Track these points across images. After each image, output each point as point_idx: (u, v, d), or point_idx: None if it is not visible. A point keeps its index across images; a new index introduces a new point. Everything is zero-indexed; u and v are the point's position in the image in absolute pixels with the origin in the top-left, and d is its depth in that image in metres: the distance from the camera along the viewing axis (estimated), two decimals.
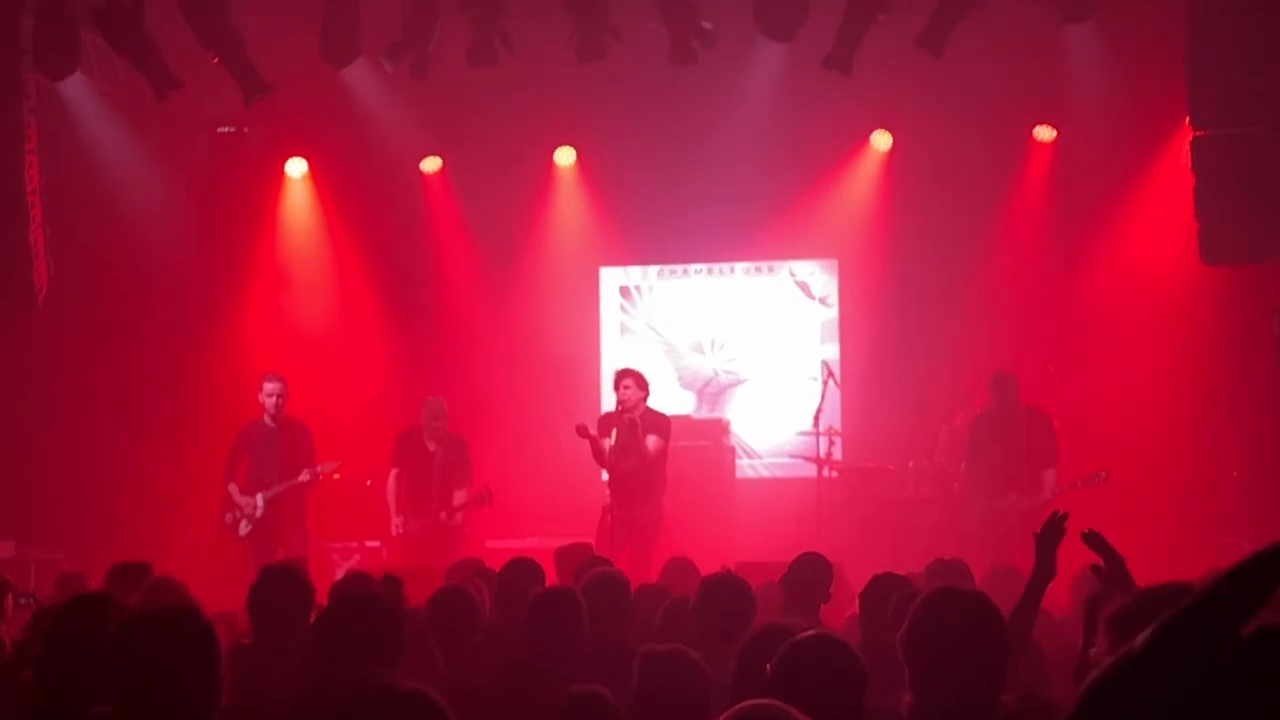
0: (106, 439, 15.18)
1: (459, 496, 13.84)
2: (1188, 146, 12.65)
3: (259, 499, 13.57)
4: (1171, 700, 1.09)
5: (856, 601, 7.12)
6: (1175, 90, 12.69)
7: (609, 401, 13.78)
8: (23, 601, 8.22)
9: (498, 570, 8.56)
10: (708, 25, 13.35)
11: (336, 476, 14.18)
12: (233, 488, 13.68)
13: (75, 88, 14.59)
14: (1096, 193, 15.00)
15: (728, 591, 6.54)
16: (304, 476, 13.56)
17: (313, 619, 6.53)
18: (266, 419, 13.76)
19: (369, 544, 14.42)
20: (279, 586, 6.71)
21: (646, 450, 13.02)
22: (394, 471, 14.07)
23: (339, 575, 11.33)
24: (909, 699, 4.66)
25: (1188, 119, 12.57)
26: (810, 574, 7.69)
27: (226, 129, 15.83)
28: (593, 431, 13.06)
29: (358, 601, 5.60)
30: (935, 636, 4.56)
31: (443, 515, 13.76)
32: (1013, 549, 11.84)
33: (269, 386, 13.76)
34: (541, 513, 14.88)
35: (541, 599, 6.49)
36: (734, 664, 5.07)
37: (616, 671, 5.32)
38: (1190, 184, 12.57)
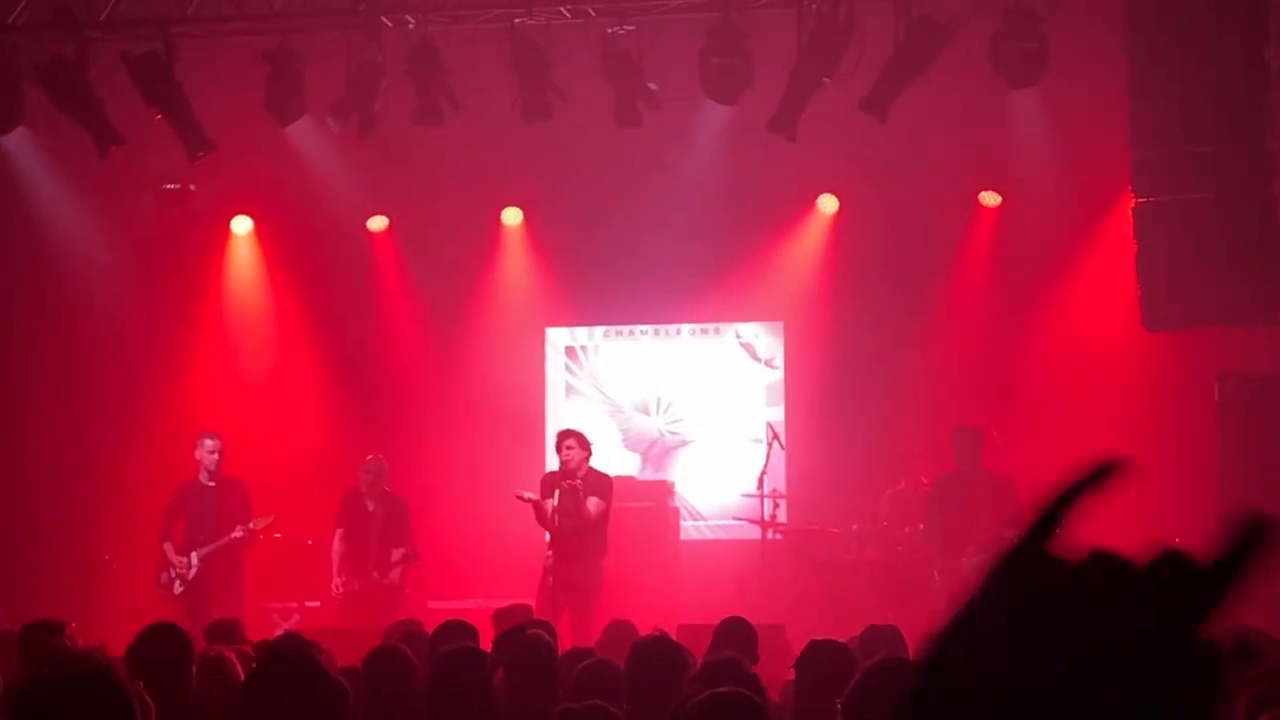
0: (46, 496, 15.02)
1: (396, 555, 13.79)
2: (1130, 213, 12.73)
3: (193, 557, 13.49)
4: (1008, 635, 1.11)
5: None
6: (1118, 157, 12.77)
7: (554, 462, 13.71)
8: None
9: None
10: (653, 87, 13.39)
11: (277, 536, 14.10)
12: (167, 547, 13.62)
13: (18, 142, 14.51)
14: (1040, 258, 15.06)
15: (660, 655, 6.44)
16: (237, 533, 13.53)
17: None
18: (203, 477, 13.72)
19: (309, 604, 14.29)
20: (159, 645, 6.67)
21: (588, 512, 12.96)
22: (339, 532, 14.03)
23: (277, 635, 11.21)
24: None
25: (1130, 186, 12.65)
26: (737, 638, 7.65)
27: (172, 186, 15.71)
28: (533, 495, 13.03)
29: (290, 664, 5.48)
30: (878, 707, 4.51)
31: (375, 574, 13.70)
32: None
33: (208, 444, 13.73)
34: (483, 573, 14.77)
35: (443, 660, 6.37)
36: None
37: None
38: (1132, 250, 12.64)
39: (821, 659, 6.45)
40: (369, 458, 14.20)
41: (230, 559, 13.67)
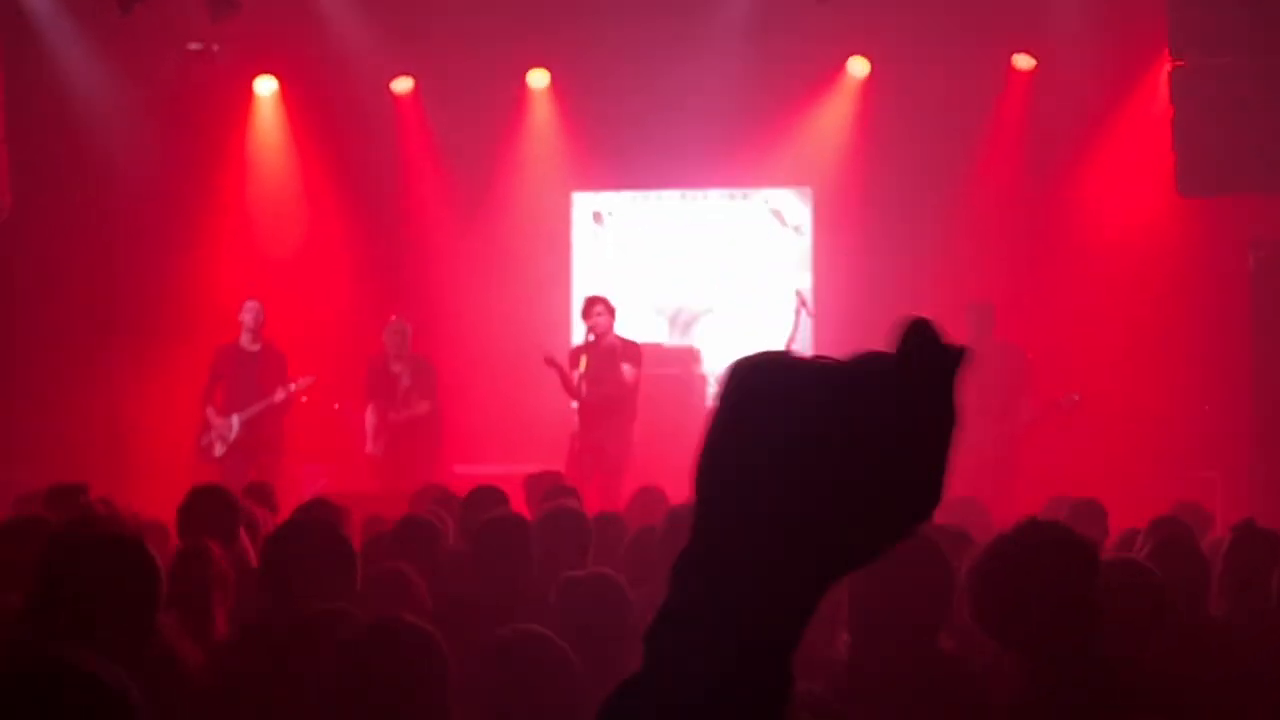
0: (71, 365, 14.98)
1: (421, 406, 13.87)
2: (1166, 76, 12.54)
3: (234, 420, 13.54)
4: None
5: None
6: (1155, 20, 12.56)
7: (579, 325, 13.61)
8: None
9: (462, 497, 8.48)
10: None
11: (304, 400, 14.11)
12: (209, 410, 13.67)
13: (39, 1, 14.32)
14: (1075, 122, 14.87)
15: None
16: (279, 395, 13.55)
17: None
18: (245, 341, 13.72)
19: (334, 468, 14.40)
20: (207, 507, 6.76)
21: (623, 378, 12.95)
22: (370, 405, 14.06)
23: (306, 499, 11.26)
24: (846, 637, 4.55)
25: (1167, 49, 12.45)
26: None
27: (195, 46, 15.49)
28: (559, 361, 13.03)
29: (307, 530, 5.52)
30: (877, 568, 4.48)
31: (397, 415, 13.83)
32: (984, 478, 11.86)
33: (250, 305, 13.74)
34: (510, 439, 14.77)
35: (487, 527, 6.37)
36: None
37: None
38: (1168, 115, 12.47)
39: None
40: (392, 319, 14.19)
41: (272, 422, 13.69)
